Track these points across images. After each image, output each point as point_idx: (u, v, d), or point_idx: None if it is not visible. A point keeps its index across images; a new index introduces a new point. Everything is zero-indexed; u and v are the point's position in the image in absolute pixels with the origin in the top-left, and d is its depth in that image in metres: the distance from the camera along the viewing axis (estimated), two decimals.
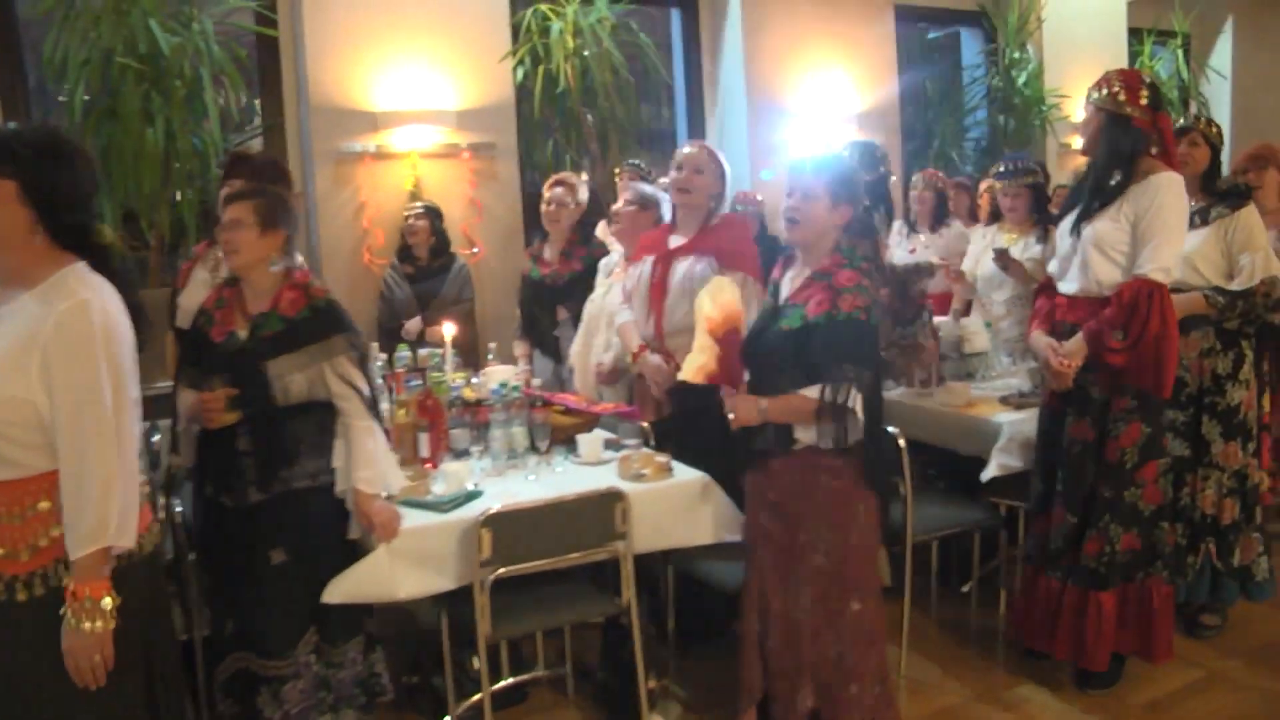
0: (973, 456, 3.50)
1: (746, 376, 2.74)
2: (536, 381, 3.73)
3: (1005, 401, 3.60)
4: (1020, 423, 3.41)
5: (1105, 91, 3.03)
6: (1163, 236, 2.92)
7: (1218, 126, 3.51)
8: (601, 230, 4.63)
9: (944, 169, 6.34)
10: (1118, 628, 3.09)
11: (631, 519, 2.79)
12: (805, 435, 2.64)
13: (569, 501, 2.75)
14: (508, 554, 2.66)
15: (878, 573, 2.85)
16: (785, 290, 2.78)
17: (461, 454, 3.25)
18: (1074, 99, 7.25)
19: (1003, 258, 3.98)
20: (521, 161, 5.67)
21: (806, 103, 6.20)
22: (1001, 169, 4.40)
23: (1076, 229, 3.05)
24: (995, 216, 4.54)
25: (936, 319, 4.13)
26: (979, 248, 4.48)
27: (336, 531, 2.74)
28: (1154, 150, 3.01)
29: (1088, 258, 3.00)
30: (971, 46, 7.50)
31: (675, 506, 2.96)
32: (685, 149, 3.51)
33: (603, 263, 4.19)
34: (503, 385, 3.24)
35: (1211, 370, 3.38)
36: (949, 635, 3.69)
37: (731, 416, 2.68)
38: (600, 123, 5.66)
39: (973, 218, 5.34)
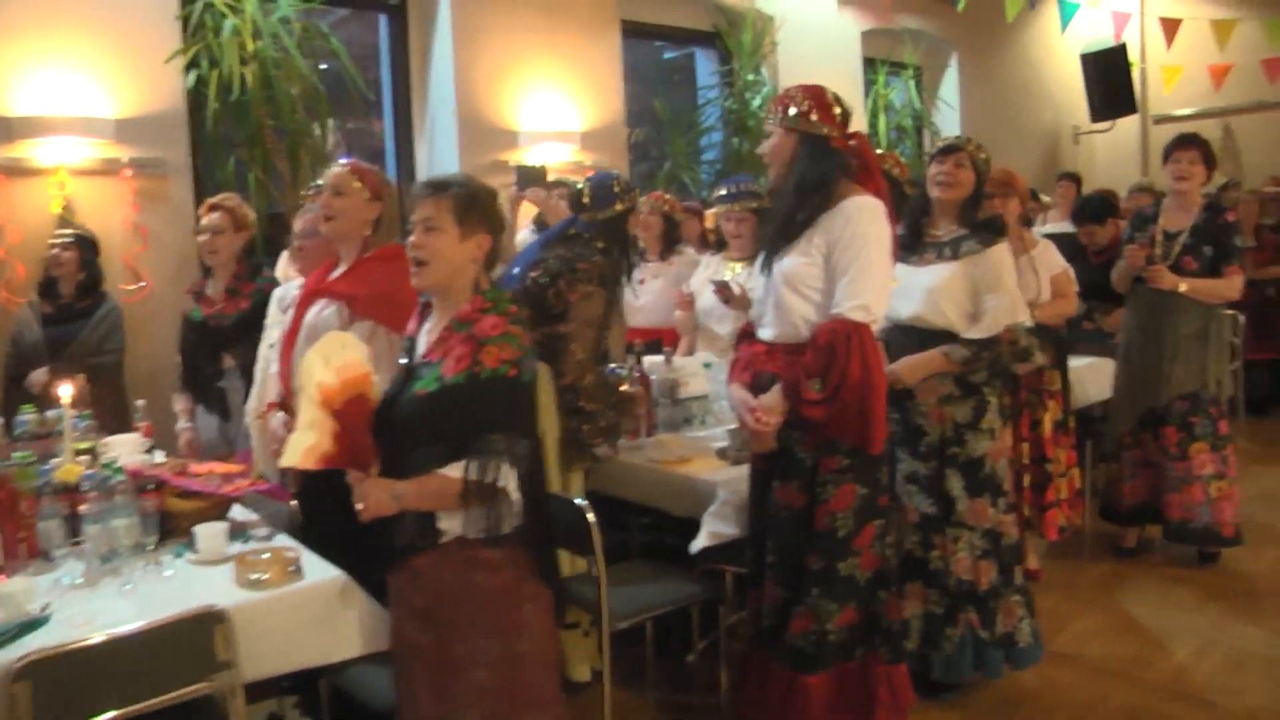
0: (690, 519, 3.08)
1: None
2: (161, 456, 3.05)
3: (723, 455, 3.20)
4: (739, 481, 2.98)
5: (794, 111, 2.68)
6: (859, 269, 2.57)
7: (987, 153, 3.22)
8: (284, 262, 3.99)
9: (676, 192, 6.03)
10: (830, 712, 2.71)
11: (239, 641, 2.16)
12: (451, 524, 2.12)
13: (146, 633, 2.09)
14: (60, 712, 1.98)
15: (564, 673, 2.36)
16: (421, 345, 2.25)
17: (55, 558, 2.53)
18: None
19: (722, 291, 3.62)
20: (200, 181, 4.91)
21: (524, 121, 5.72)
22: (723, 192, 4.08)
23: (768, 266, 2.68)
24: (723, 244, 4.21)
25: (646, 359, 3.72)
26: (700, 278, 4.13)
27: None
28: (851, 173, 2.70)
29: (781, 298, 2.63)
30: (706, 68, 7.27)
31: (306, 616, 2.34)
32: (332, 168, 2.94)
33: (275, 295, 3.52)
34: (108, 465, 2.55)
35: (952, 419, 3.07)
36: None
37: (360, 506, 2.13)
38: (291, 138, 4.97)
39: (705, 244, 5.01)
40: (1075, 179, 7.10)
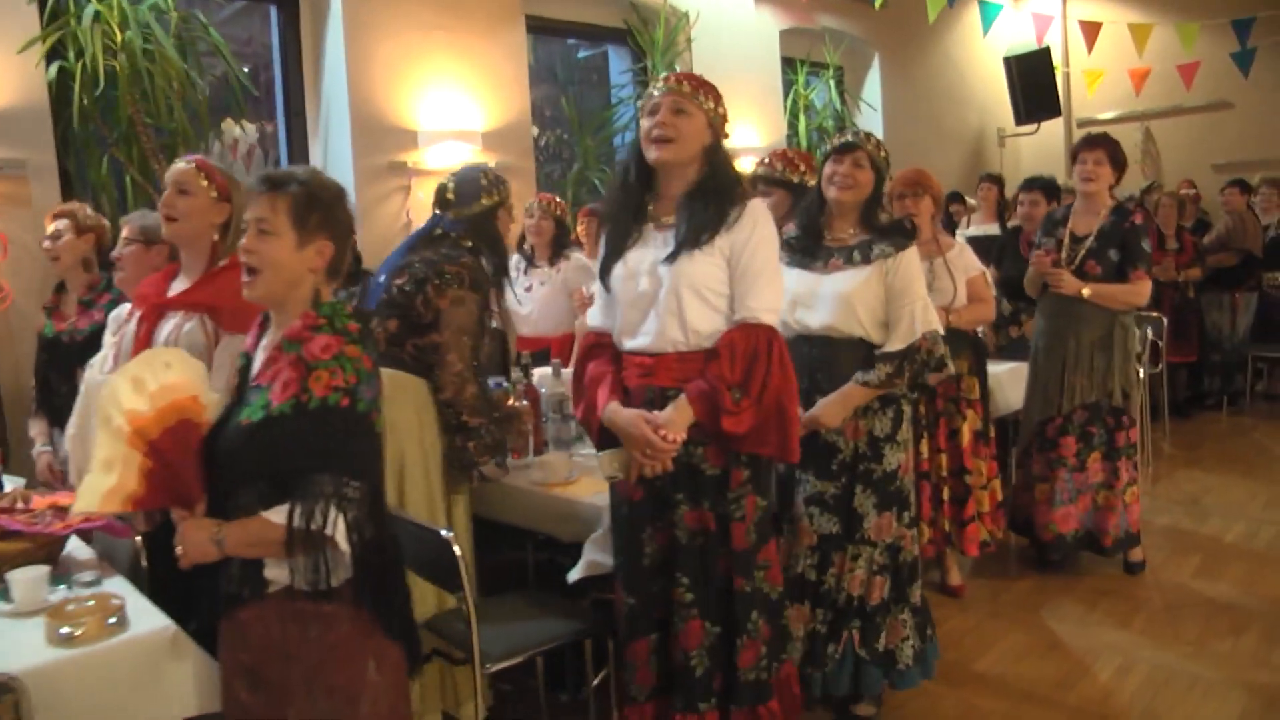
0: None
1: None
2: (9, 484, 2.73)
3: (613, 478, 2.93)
4: None
5: (712, 102, 2.48)
6: (767, 274, 2.41)
7: (886, 151, 2.98)
8: None
9: (587, 194, 5.78)
10: None
11: (44, 710, 1.86)
12: (278, 574, 1.85)
13: None
14: None
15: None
16: (256, 364, 1.96)
17: None
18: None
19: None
20: (71, 184, 4.55)
21: (424, 120, 5.43)
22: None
23: (651, 270, 2.44)
24: None
25: (537, 370, 3.46)
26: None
27: None
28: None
29: (682, 303, 2.39)
30: (620, 66, 7.03)
31: (128, 675, 2.04)
32: (176, 164, 2.64)
33: (112, 315, 3.20)
34: None
35: (869, 432, 2.85)
36: None
37: (179, 550, 1.85)
38: (171, 137, 4.63)
39: None
40: (997, 180, 6.99)
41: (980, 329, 5.11)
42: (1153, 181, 8.84)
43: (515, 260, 4.44)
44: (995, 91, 9.76)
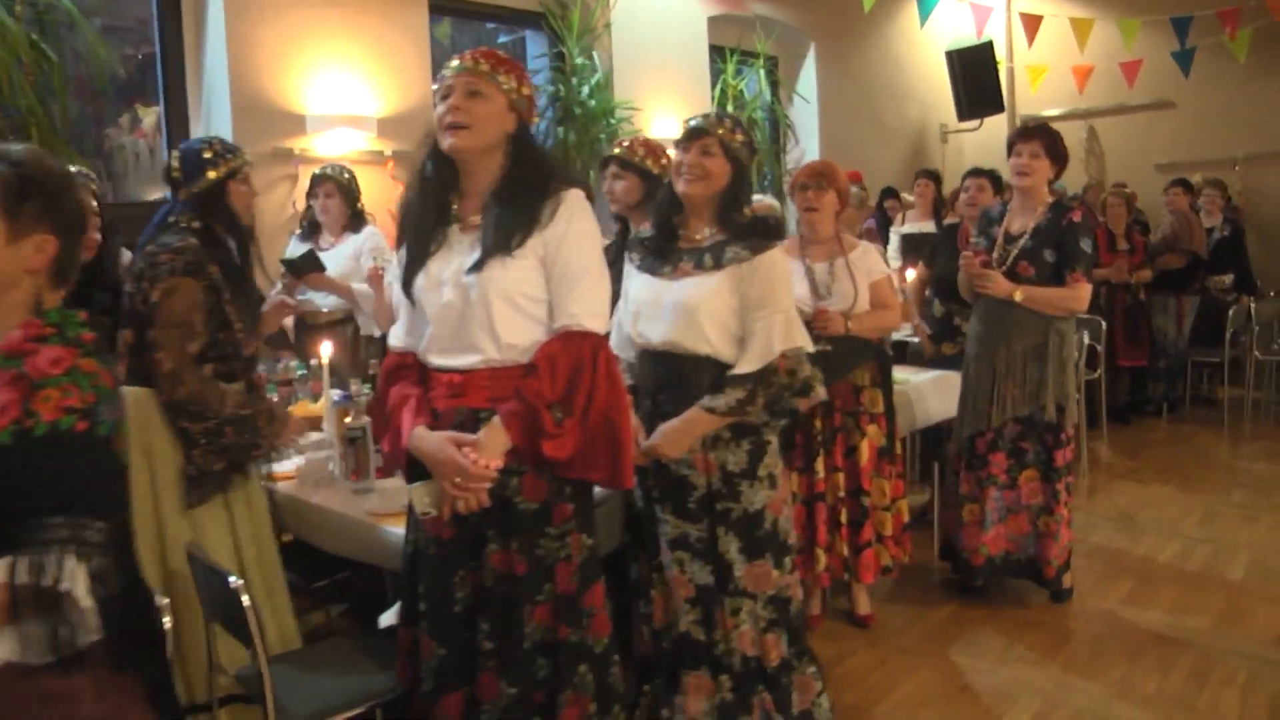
0: None
1: None
2: None
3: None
4: None
5: (508, 77, 2.10)
6: (591, 274, 2.07)
7: (747, 136, 2.56)
8: None
9: None
10: None
11: None
12: (3, 646, 1.46)
13: None
14: None
15: None
16: None
17: None
18: (646, 112, 6.60)
19: None
20: None
21: (312, 104, 5.02)
22: None
23: (456, 279, 2.07)
24: None
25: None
26: None
27: None
28: None
29: (492, 313, 2.02)
30: (536, 51, 6.64)
31: None
32: None
33: None
34: None
35: (721, 466, 2.47)
36: None
37: None
38: (22, 118, 4.20)
39: None
40: (934, 177, 6.70)
41: (918, 337, 4.84)
42: (1088, 181, 8.62)
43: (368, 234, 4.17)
44: (937, 86, 9.49)
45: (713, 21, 7.24)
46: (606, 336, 2.09)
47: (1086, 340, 5.78)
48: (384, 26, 5.32)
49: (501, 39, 7.04)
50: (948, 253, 4.54)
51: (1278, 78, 8.80)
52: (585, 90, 6.24)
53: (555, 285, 2.04)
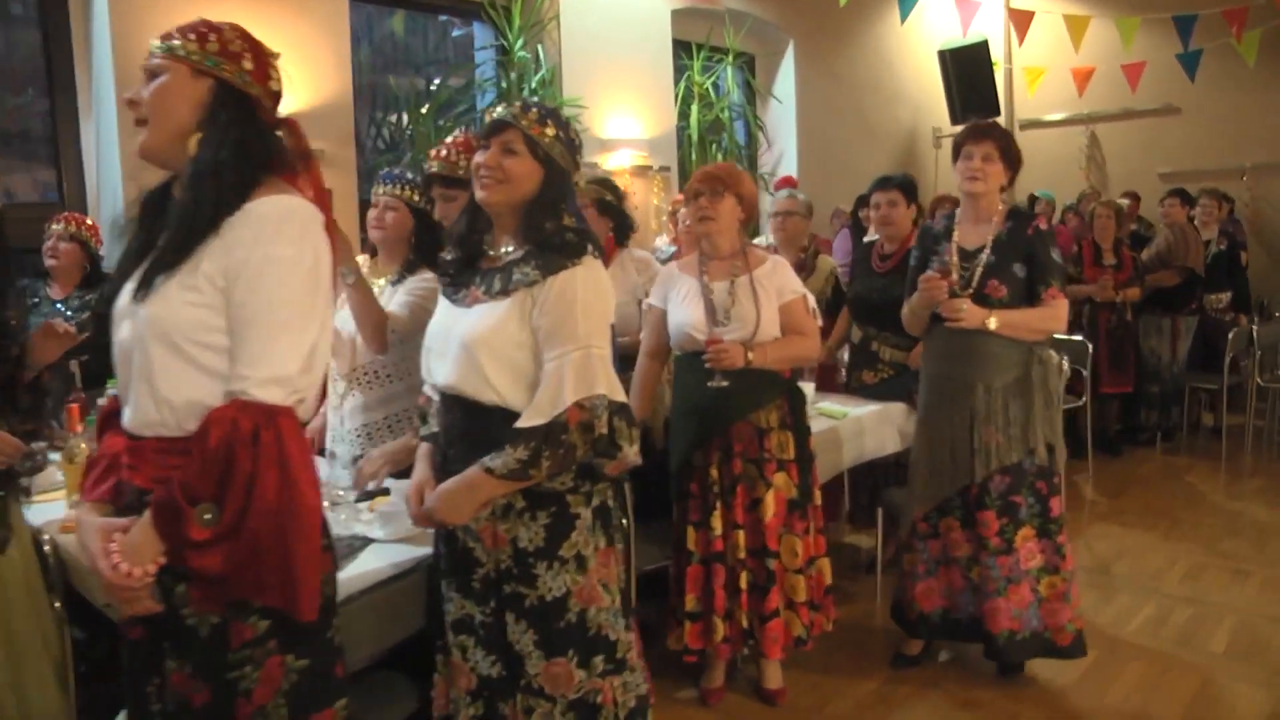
0: None
1: None
2: None
3: None
4: None
5: (205, 44, 1.61)
6: (275, 318, 1.53)
7: (564, 131, 2.06)
8: None
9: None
10: None
11: None
12: None
13: None
14: None
15: None
16: None
17: None
18: (599, 110, 6.12)
19: None
20: None
21: None
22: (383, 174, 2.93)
23: (130, 309, 1.58)
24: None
25: None
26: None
27: None
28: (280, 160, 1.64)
29: (151, 362, 1.53)
30: (481, 43, 6.18)
31: None
32: None
33: None
34: None
35: (511, 542, 2.00)
36: None
37: None
38: None
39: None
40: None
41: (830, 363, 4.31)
42: (1084, 190, 8.08)
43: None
44: (930, 88, 8.98)
45: (677, 15, 6.75)
46: (289, 409, 1.54)
47: (1067, 366, 5.27)
48: (295, 16, 4.85)
49: (456, 32, 6.60)
50: (864, 272, 4.06)
51: None
52: (528, 87, 5.77)
53: (231, 330, 1.54)
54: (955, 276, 3.06)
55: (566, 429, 1.87)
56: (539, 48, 5.90)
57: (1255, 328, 6.10)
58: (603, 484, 2.02)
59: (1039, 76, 8.95)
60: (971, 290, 3.03)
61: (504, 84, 5.82)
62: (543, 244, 1.96)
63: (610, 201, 3.74)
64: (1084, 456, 5.66)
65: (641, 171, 6.42)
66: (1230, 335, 6.01)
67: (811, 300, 2.96)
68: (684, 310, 2.93)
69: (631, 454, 1.96)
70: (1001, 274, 3.04)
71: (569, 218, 2.01)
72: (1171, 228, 6.38)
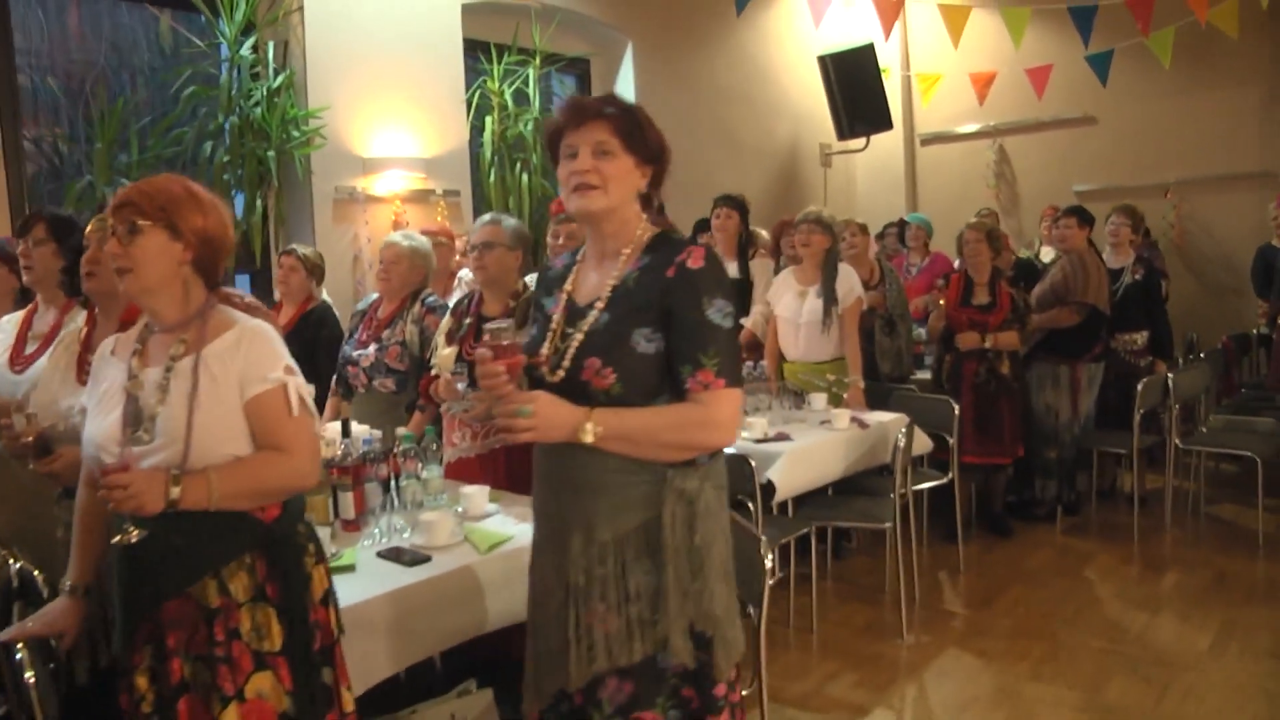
0: None
1: None
2: None
3: None
4: None
5: None
6: None
7: None
8: None
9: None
10: None
11: None
12: None
13: None
14: None
15: None
16: None
17: None
18: (352, 123, 4.94)
19: None
20: None
21: None
22: None
23: None
24: None
25: None
26: None
27: None
28: None
29: None
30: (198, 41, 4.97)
31: None
32: None
33: None
34: None
35: None
36: None
37: None
38: None
39: None
40: (739, 205, 5.05)
41: None
42: (982, 210, 6.95)
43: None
44: (816, 100, 7.90)
45: (470, 11, 5.59)
46: None
47: (918, 436, 4.10)
48: None
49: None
50: None
51: (1212, 89, 7.20)
52: (255, 95, 4.58)
53: None
54: (545, 350, 1.85)
55: None
56: (269, 48, 4.71)
57: (1171, 376, 4.96)
58: None
59: (934, 84, 7.89)
60: (562, 374, 1.84)
61: (236, 92, 4.60)
62: None
63: None
64: (954, 543, 4.50)
65: (421, 196, 5.23)
66: (1140, 386, 4.86)
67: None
68: (97, 415, 1.74)
69: None
70: (610, 348, 1.80)
71: None
72: (1068, 255, 5.23)
